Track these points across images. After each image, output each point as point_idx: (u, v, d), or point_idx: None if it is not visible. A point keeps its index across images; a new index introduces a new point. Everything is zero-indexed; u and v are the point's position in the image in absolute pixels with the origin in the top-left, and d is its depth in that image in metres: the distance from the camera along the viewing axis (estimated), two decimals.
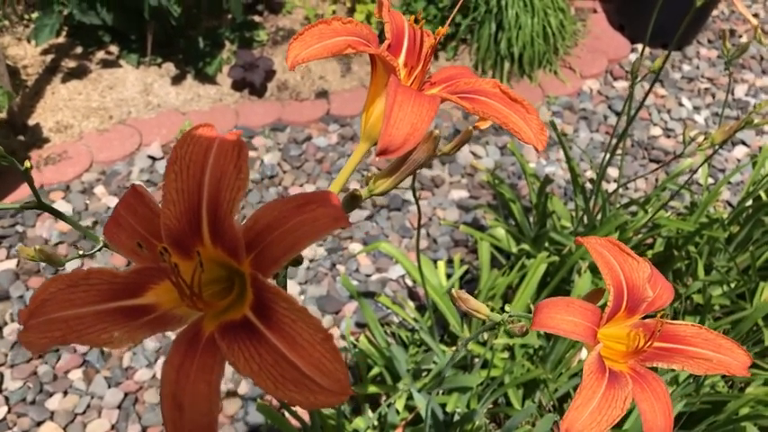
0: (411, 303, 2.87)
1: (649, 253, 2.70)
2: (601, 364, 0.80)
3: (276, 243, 0.53)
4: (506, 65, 3.91)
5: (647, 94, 2.20)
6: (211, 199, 0.55)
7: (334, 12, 4.18)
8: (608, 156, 2.37)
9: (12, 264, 2.99)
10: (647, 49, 4.16)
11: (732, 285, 2.51)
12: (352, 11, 4.16)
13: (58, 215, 0.88)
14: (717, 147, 1.86)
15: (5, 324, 2.81)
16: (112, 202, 3.21)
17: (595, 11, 4.51)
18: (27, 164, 0.85)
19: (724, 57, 2.10)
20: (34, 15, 3.88)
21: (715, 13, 4.56)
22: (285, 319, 0.51)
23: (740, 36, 4.48)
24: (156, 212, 0.60)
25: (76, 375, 2.68)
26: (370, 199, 2.79)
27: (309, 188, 3.35)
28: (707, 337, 0.87)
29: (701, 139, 1.91)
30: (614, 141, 3.51)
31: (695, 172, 2.13)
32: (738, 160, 3.71)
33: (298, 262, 0.64)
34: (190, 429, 0.52)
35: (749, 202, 2.55)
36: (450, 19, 0.84)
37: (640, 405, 0.80)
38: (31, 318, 0.55)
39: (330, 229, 0.52)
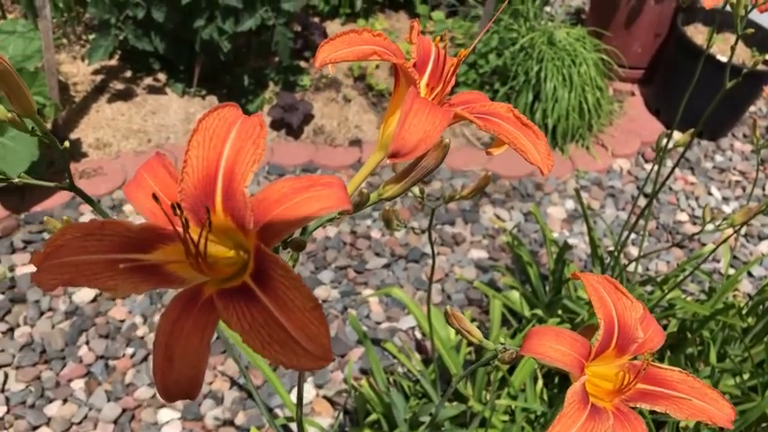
0: (417, 356, 2.86)
1: None
2: (584, 395, 0.81)
3: (282, 216, 0.56)
4: None
5: (671, 172, 2.22)
6: (228, 168, 0.60)
7: (377, 66, 4.30)
8: (628, 232, 2.38)
9: (34, 268, 3.05)
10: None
11: (745, 377, 2.47)
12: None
13: (85, 199, 0.93)
14: (737, 227, 1.86)
15: (18, 326, 2.86)
16: (138, 219, 3.27)
17: (633, 94, 4.58)
18: (66, 144, 0.90)
19: (754, 145, 2.13)
20: (91, 37, 4.06)
21: (752, 109, 4.61)
22: (280, 285, 0.54)
23: None
24: (175, 177, 0.64)
25: (78, 385, 2.70)
26: (388, 248, 2.80)
27: (332, 231, 3.39)
28: (693, 384, 0.87)
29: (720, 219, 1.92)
30: (640, 220, 3.52)
31: (714, 250, 2.12)
32: (764, 255, 3.68)
33: (301, 246, 0.67)
34: (177, 379, 0.54)
35: None
36: (472, 47, 0.88)
37: None
38: (45, 260, 0.59)
39: (333, 209, 0.55)
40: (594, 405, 0.82)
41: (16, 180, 0.94)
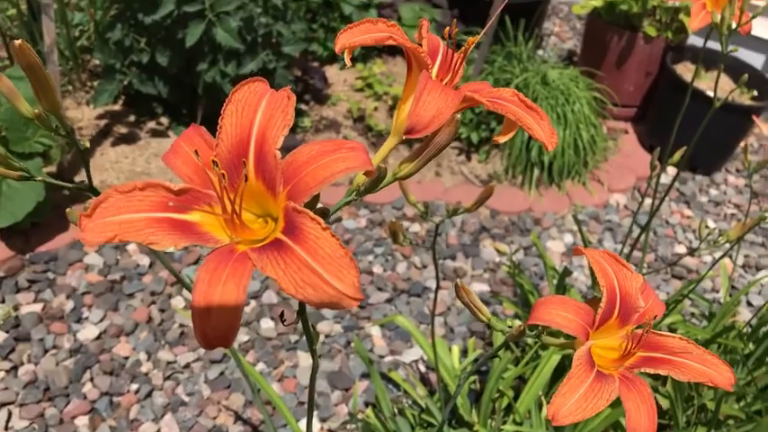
0: (422, 387, 2.86)
1: None
2: (590, 358, 0.86)
3: (310, 176, 0.61)
4: (536, 172, 4.04)
5: (664, 196, 2.28)
6: (260, 133, 0.65)
7: (376, 108, 4.40)
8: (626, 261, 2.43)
9: (38, 307, 3.07)
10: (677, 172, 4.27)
11: (749, 400, 2.48)
12: (393, 108, 4.37)
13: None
14: (733, 242, 1.91)
15: (22, 364, 2.86)
16: (142, 259, 3.31)
17: (627, 131, 4.68)
18: (86, 143, 0.94)
19: (745, 169, 2.19)
20: (96, 83, 4.16)
21: (743, 144, 4.69)
22: (310, 236, 0.59)
23: None
24: (211, 144, 0.70)
25: (82, 422, 2.69)
26: (390, 282, 2.82)
27: None
28: (693, 350, 0.92)
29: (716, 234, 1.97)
30: (636, 252, 3.57)
31: (712, 266, 2.16)
32: (762, 286, 3.72)
33: (325, 214, 0.71)
34: (215, 325, 0.58)
35: None
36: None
37: (626, 404, 0.85)
38: (90, 221, 0.63)
39: (357, 169, 0.60)
40: (601, 371, 0.86)
41: (38, 179, 0.98)
